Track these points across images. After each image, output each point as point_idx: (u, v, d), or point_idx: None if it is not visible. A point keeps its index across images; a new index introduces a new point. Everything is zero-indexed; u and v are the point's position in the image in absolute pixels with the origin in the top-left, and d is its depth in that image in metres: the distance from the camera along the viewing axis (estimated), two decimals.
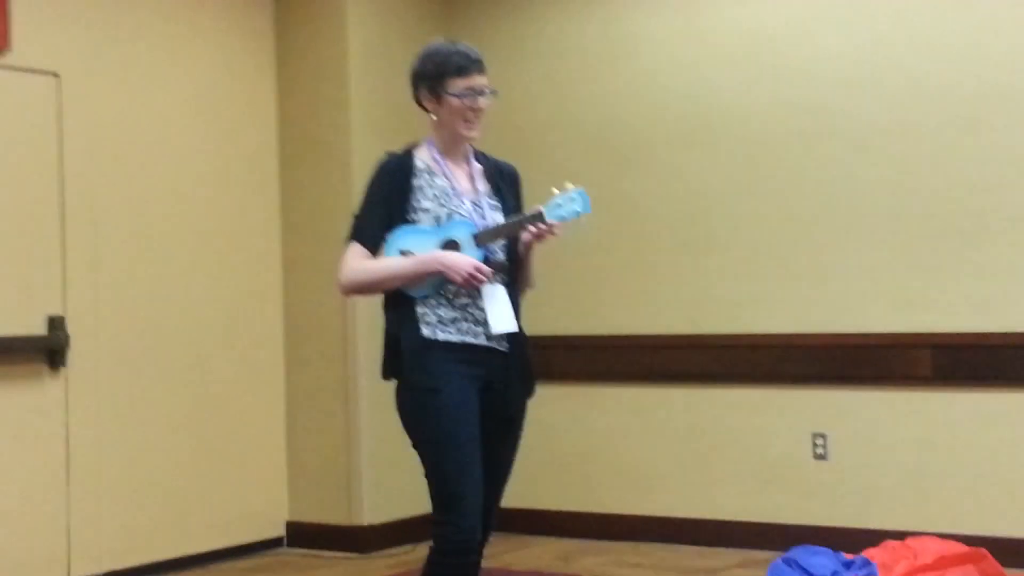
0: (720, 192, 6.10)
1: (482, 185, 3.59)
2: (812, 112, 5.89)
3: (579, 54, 6.48)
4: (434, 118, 3.54)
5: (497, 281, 3.50)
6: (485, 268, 3.39)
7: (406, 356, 3.43)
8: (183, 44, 6.01)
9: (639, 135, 6.30)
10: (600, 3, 6.44)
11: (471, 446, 3.40)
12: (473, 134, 3.54)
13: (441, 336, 3.43)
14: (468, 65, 3.50)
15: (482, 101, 3.51)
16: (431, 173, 3.52)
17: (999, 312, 5.48)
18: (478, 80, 3.50)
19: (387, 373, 3.52)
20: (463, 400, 3.40)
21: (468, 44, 3.59)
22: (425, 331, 3.43)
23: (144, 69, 5.83)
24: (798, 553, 4.73)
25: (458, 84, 3.48)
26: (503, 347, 3.49)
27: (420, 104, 3.58)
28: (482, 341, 3.46)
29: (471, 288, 3.40)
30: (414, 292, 3.46)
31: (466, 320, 3.45)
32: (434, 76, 3.51)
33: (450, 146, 3.57)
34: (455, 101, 3.49)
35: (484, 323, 3.45)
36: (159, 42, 5.90)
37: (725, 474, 6.07)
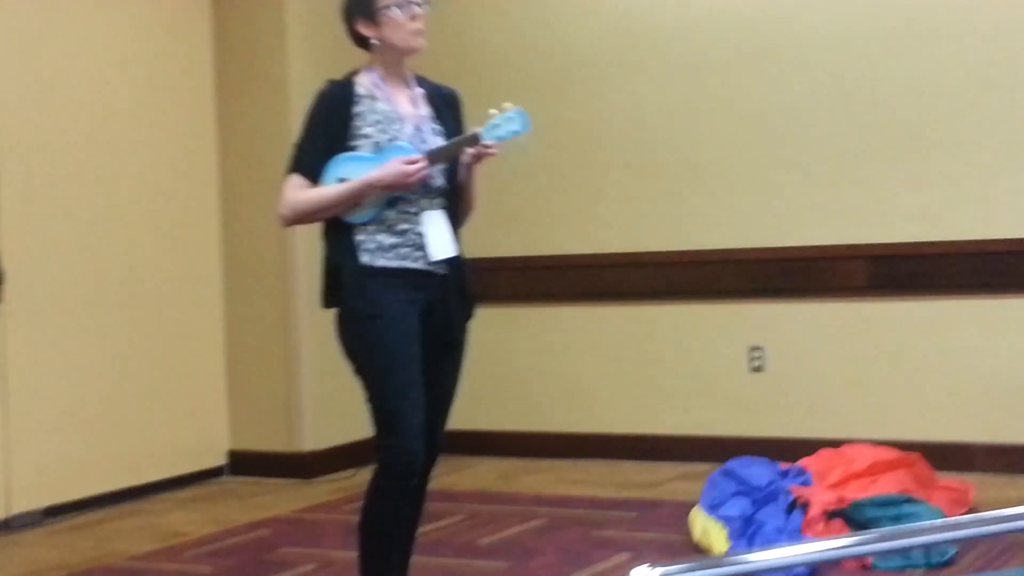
0: (658, 110, 6.10)
1: (424, 109, 3.56)
2: (748, 29, 5.89)
3: None
4: (375, 43, 3.48)
5: (435, 207, 3.48)
6: (415, 162, 3.35)
7: (346, 284, 3.42)
8: None
9: (578, 56, 6.27)
10: None
11: (412, 369, 3.40)
12: (420, 42, 3.49)
13: (380, 262, 3.41)
14: None
15: (418, 11, 3.47)
16: (372, 98, 3.48)
17: (932, 222, 5.56)
18: None
19: (327, 301, 3.51)
20: (403, 325, 3.40)
21: None
22: (364, 258, 3.41)
23: (74, 5, 5.67)
24: (735, 464, 4.82)
25: None
26: (442, 270, 3.49)
27: (358, 38, 3.52)
28: (421, 265, 3.45)
29: (415, 182, 3.36)
30: (354, 218, 3.44)
31: (405, 245, 3.44)
32: (364, 1, 3.46)
33: (392, 70, 3.52)
34: (393, 13, 3.44)
35: (423, 247, 3.44)
36: None
37: (664, 389, 6.14)
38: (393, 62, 3.52)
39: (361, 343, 3.42)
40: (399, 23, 3.45)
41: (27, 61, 5.47)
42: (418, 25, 3.47)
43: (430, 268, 3.46)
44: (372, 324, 3.39)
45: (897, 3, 5.59)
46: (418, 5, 3.47)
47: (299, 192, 3.46)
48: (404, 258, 3.43)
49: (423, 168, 3.37)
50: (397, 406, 3.38)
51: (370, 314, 3.39)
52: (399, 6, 3.44)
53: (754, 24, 5.87)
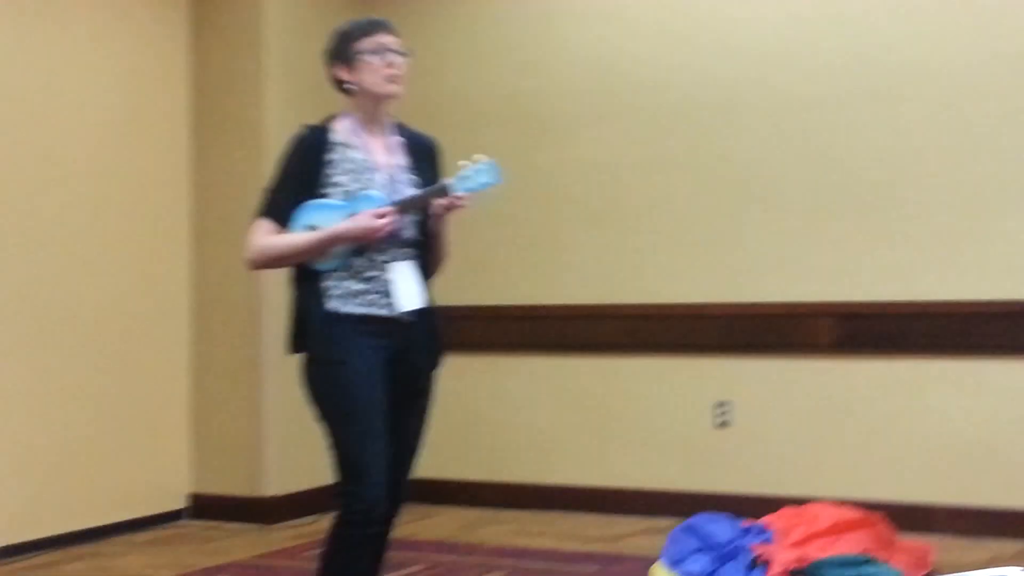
0: (628, 164, 6.14)
1: (400, 158, 3.56)
2: (720, 85, 5.94)
3: (493, 26, 6.47)
4: (354, 88, 3.50)
5: (404, 257, 3.48)
6: (383, 214, 3.36)
7: (311, 330, 3.41)
8: (94, 11, 5.86)
9: (551, 107, 6.31)
10: None
11: (376, 417, 3.38)
12: (395, 89, 3.50)
13: (347, 309, 3.41)
14: (372, 27, 3.50)
15: (396, 58, 3.49)
16: (347, 146, 3.49)
17: (898, 282, 5.60)
18: (387, 39, 3.49)
19: (293, 347, 3.50)
20: (368, 372, 3.39)
21: (375, 15, 3.60)
22: (331, 304, 3.41)
23: (49, 34, 5.67)
24: (697, 520, 4.80)
25: (367, 43, 3.47)
26: (410, 318, 3.48)
27: (339, 84, 3.54)
28: (388, 312, 3.44)
29: (383, 235, 3.36)
30: (321, 266, 3.43)
31: (373, 292, 3.43)
32: (343, 46, 3.50)
33: (370, 116, 3.54)
34: (369, 59, 3.46)
35: (388, 295, 3.44)
36: (69, 8, 5.74)
37: (627, 443, 6.13)
38: (371, 108, 3.53)
39: (325, 389, 3.40)
40: (375, 68, 3.47)
41: None
42: (394, 71, 3.49)
43: (397, 316, 3.46)
44: (337, 370, 3.38)
45: (870, 65, 5.65)
46: (395, 53, 3.49)
47: (267, 237, 3.46)
48: (371, 305, 3.43)
49: (391, 221, 3.38)
50: (360, 453, 3.36)
51: (335, 360, 3.38)
52: (376, 52, 3.47)
53: (727, 82, 5.93)
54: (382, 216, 3.36)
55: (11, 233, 5.49)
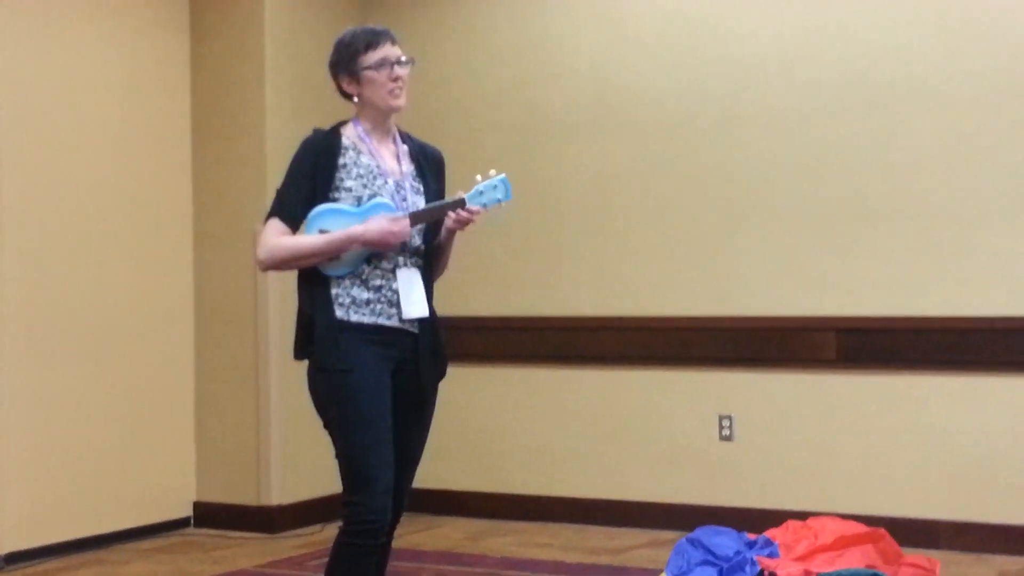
0: (630, 175, 6.15)
1: (407, 166, 3.59)
2: (722, 96, 5.96)
3: (494, 38, 6.49)
4: (356, 99, 3.54)
5: (411, 265, 3.50)
6: (400, 221, 3.38)
7: (319, 337, 3.42)
8: (95, 18, 5.90)
9: (552, 118, 6.33)
10: None
11: (382, 427, 3.40)
12: (400, 102, 3.53)
13: (354, 318, 3.42)
14: (375, 38, 3.52)
15: (400, 70, 3.52)
16: (357, 151, 3.51)
17: (902, 296, 5.60)
18: (390, 50, 3.52)
19: (299, 354, 3.51)
20: (375, 381, 3.40)
21: (376, 24, 3.61)
22: (338, 312, 3.42)
23: (50, 43, 5.70)
24: (702, 533, 4.80)
25: (371, 57, 3.49)
26: (415, 329, 3.50)
27: (345, 94, 3.57)
28: (395, 323, 3.46)
29: (397, 243, 3.39)
30: (331, 271, 3.45)
31: (380, 302, 3.45)
32: (347, 58, 3.52)
33: (377, 124, 3.56)
34: (372, 74, 3.49)
35: (397, 304, 3.46)
36: (70, 15, 5.78)
37: (632, 455, 6.13)
38: (377, 118, 3.56)
39: (332, 397, 3.42)
40: (379, 82, 3.50)
41: (0, 111, 5.47)
42: (398, 84, 3.52)
43: (403, 326, 3.48)
44: (344, 379, 3.39)
45: (869, 78, 5.66)
46: (399, 64, 3.52)
47: (279, 238, 3.47)
48: (378, 315, 3.45)
49: (407, 228, 3.40)
50: (366, 462, 3.37)
51: (342, 368, 3.39)
52: (380, 66, 3.49)
53: (726, 93, 5.94)
54: (398, 222, 3.38)
55: (15, 242, 5.51)
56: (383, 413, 3.40)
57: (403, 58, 3.53)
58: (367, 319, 3.43)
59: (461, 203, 3.46)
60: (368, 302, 3.44)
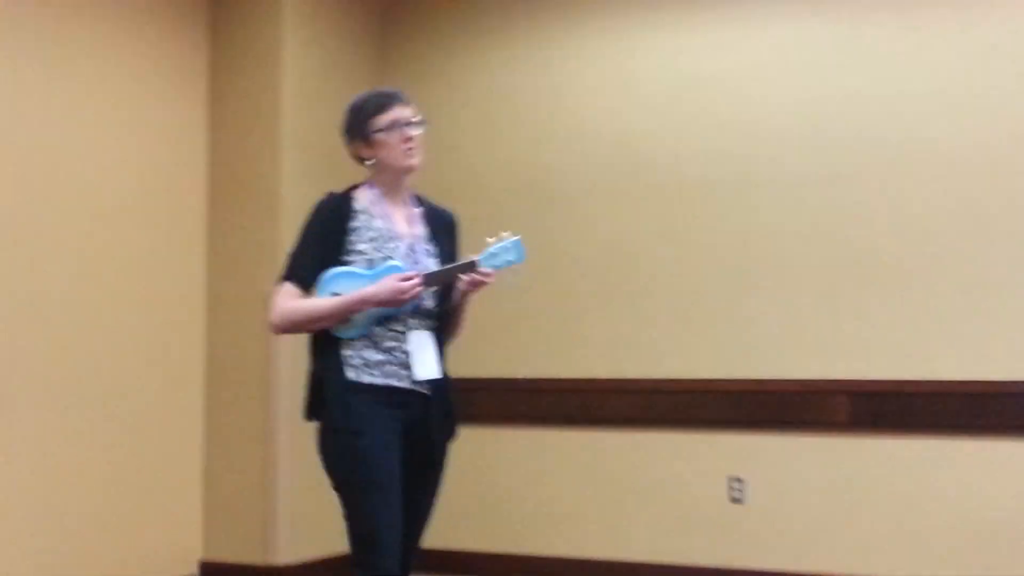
0: (645, 238, 6.16)
1: (420, 229, 3.60)
2: (737, 160, 5.98)
3: (510, 100, 6.53)
4: (371, 163, 3.55)
5: (423, 327, 3.50)
6: (409, 279, 3.38)
7: (329, 398, 3.41)
8: (111, 76, 5.94)
9: (567, 181, 6.35)
10: (533, 50, 6.49)
11: (392, 489, 3.38)
12: (414, 161, 3.55)
13: (365, 379, 3.42)
14: (386, 101, 3.54)
15: (411, 130, 3.53)
16: (369, 215, 3.52)
17: (915, 360, 5.58)
18: (401, 112, 3.53)
19: (310, 415, 3.50)
20: (385, 443, 3.39)
21: (388, 86, 3.62)
22: (349, 374, 3.42)
23: (69, 101, 5.74)
24: None
25: (382, 120, 3.51)
26: (426, 390, 3.49)
27: (359, 159, 3.59)
28: (406, 384, 3.45)
29: (407, 301, 3.39)
30: (343, 333, 3.45)
31: (391, 364, 3.45)
32: (359, 123, 3.54)
33: (391, 188, 3.58)
34: (384, 136, 3.51)
35: (409, 366, 3.45)
36: (87, 78, 5.83)
37: (643, 516, 6.09)
38: (391, 180, 3.57)
39: (342, 459, 3.40)
40: (393, 144, 3.52)
41: (12, 162, 5.50)
42: (412, 145, 3.53)
43: (414, 387, 3.47)
44: (354, 440, 3.37)
45: (883, 143, 5.69)
46: (410, 125, 3.53)
47: (291, 301, 3.47)
48: (389, 376, 3.44)
49: (417, 287, 3.40)
50: (375, 524, 3.35)
51: (352, 430, 3.38)
52: (392, 128, 3.51)
53: (739, 158, 5.97)
54: (408, 279, 3.38)
55: (29, 296, 5.52)
56: (392, 475, 3.39)
57: (414, 119, 3.55)
58: (378, 380, 3.42)
59: (473, 265, 3.46)
60: (380, 363, 3.44)
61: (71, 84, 5.75)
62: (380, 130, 3.51)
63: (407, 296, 3.39)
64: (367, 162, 3.56)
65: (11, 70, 5.49)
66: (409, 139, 3.52)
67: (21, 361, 5.46)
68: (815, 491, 5.74)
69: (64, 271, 5.68)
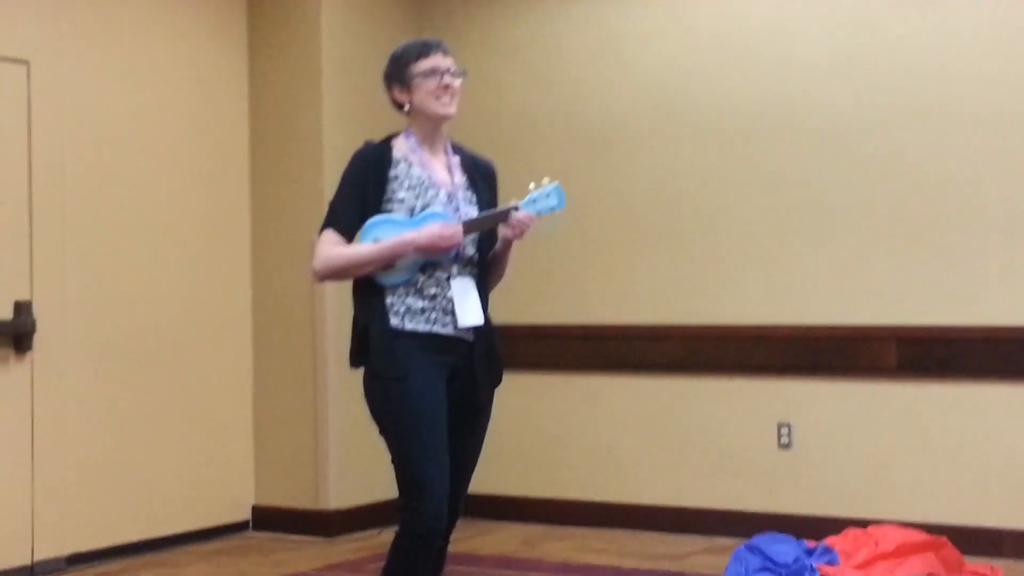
0: (692, 184, 6.13)
1: (459, 177, 3.61)
2: (786, 107, 5.92)
3: (556, 48, 6.48)
4: (407, 108, 3.55)
5: (466, 274, 3.52)
6: (451, 227, 3.40)
7: (374, 345, 3.44)
8: (155, 35, 5.97)
9: (614, 128, 6.32)
10: None
11: (438, 433, 3.41)
12: (450, 110, 3.56)
13: (409, 326, 3.44)
14: (426, 48, 3.55)
15: (449, 79, 3.54)
16: (408, 163, 3.53)
17: (963, 306, 5.54)
18: (441, 60, 3.55)
19: (355, 362, 3.52)
20: (430, 388, 3.42)
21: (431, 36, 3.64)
22: (393, 321, 3.44)
23: (115, 59, 5.79)
24: (761, 540, 4.78)
25: (421, 66, 3.53)
26: (470, 337, 3.51)
27: (397, 105, 3.60)
28: (450, 331, 3.47)
29: (450, 249, 3.41)
30: (386, 280, 3.47)
31: (434, 310, 3.46)
32: (399, 68, 3.55)
33: (429, 135, 3.59)
34: (422, 81, 3.52)
35: (452, 313, 3.47)
36: (130, 33, 5.86)
37: (691, 462, 6.11)
38: (428, 128, 3.58)
39: (388, 405, 3.43)
40: (430, 90, 3.53)
41: (66, 125, 5.55)
42: (448, 92, 3.54)
43: (458, 334, 3.49)
44: (399, 386, 3.40)
45: (931, 86, 5.60)
46: (449, 74, 3.54)
47: (333, 248, 3.49)
48: (433, 323, 3.46)
49: (459, 235, 3.41)
50: (422, 468, 3.38)
51: (398, 376, 3.41)
52: (431, 74, 3.52)
53: (789, 102, 5.90)
54: (449, 227, 3.39)
55: (78, 251, 5.59)
56: (439, 420, 3.42)
57: (453, 69, 3.56)
58: (422, 327, 3.45)
59: (511, 211, 3.46)
60: (423, 310, 3.46)
61: (115, 42, 5.79)
62: (418, 76, 3.52)
63: (448, 244, 3.40)
64: (404, 108, 3.56)
65: (58, 30, 5.53)
66: (446, 87, 3.53)
67: (72, 317, 5.54)
68: (863, 437, 5.73)
69: (112, 229, 5.74)
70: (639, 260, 6.24)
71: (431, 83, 3.52)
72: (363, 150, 3.57)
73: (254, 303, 6.38)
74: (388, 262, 3.44)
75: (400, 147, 3.56)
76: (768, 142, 5.95)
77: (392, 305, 3.45)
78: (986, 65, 5.52)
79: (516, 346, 6.14)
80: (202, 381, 6.12)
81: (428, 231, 3.39)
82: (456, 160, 3.63)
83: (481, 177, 3.65)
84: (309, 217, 5.95)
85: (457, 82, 3.55)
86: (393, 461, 3.45)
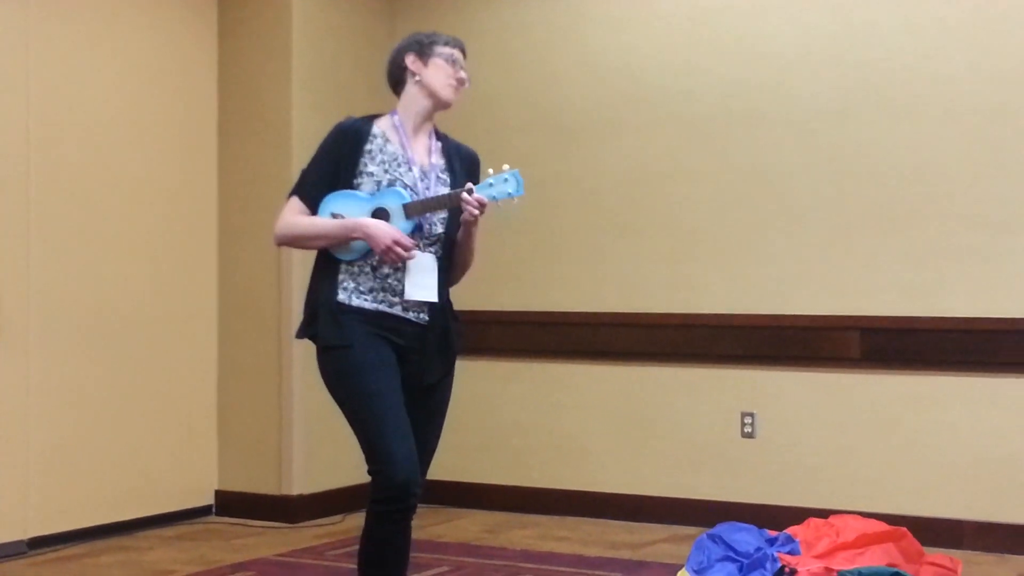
0: (658, 173, 6.14)
1: (437, 159, 3.65)
2: (754, 97, 5.94)
3: (523, 34, 6.48)
4: (416, 78, 3.62)
5: (428, 251, 3.53)
6: (406, 242, 3.44)
7: (320, 317, 3.50)
8: (122, 12, 5.92)
9: (580, 115, 6.32)
10: None
11: (391, 396, 3.44)
12: (453, 96, 3.65)
13: (355, 302, 3.49)
14: (456, 42, 3.70)
15: (464, 76, 3.66)
16: (385, 139, 3.58)
17: (926, 297, 5.58)
18: (461, 58, 3.69)
19: (301, 332, 3.59)
20: (376, 354, 3.46)
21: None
22: (341, 296, 3.50)
23: (82, 40, 5.74)
24: (723, 529, 4.80)
25: (447, 51, 3.65)
26: (422, 320, 3.54)
27: (399, 71, 3.65)
28: (397, 311, 3.51)
29: (391, 261, 3.45)
30: (342, 255, 3.52)
31: (384, 290, 3.51)
32: (424, 42, 3.65)
33: (417, 116, 3.64)
34: (443, 64, 3.62)
35: (401, 294, 3.50)
36: (98, 13, 5.81)
37: (653, 451, 6.13)
38: (420, 107, 3.64)
39: (339, 375, 3.47)
40: (446, 72, 3.62)
41: (28, 106, 5.49)
42: (458, 87, 3.65)
43: (408, 316, 3.52)
44: (346, 354, 3.45)
45: (899, 78, 5.64)
46: (464, 72, 3.66)
47: (294, 215, 3.56)
48: (379, 303, 3.50)
49: (409, 252, 3.44)
50: (381, 433, 3.40)
51: (343, 344, 3.46)
52: (452, 62, 3.63)
53: (755, 92, 5.93)
54: (401, 244, 3.42)
55: (43, 235, 5.55)
56: (391, 385, 3.45)
57: (465, 73, 3.67)
58: (368, 305, 3.50)
59: (462, 195, 3.48)
60: (372, 290, 3.50)
61: (81, 21, 5.74)
62: (440, 56, 3.62)
63: (391, 255, 3.43)
64: (413, 78, 3.61)
65: (21, 11, 5.47)
66: (460, 80, 3.65)
67: (36, 300, 5.50)
68: (826, 426, 5.77)
69: (76, 207, 5.70)
70: (604, 247, 6.25)
71: (449, 68, 3.63)
72: (343, 122, 3.63)
73: (219, 288, 6.35)
74: (341, 240, 3.48)
75: (382, 124, 3.63)
76: (735, 132, 5.97)
77: (342, 281, 3.51)
78: (954, 58, 5.55)
79: (480, 332, 6.14)
80: (166, 366, 6.09)
81: (382, 236, 3.41)
82: (439, 145, 3.69)
83: (461, 163, 3.70)
84: (276, 203, 5.90)
85: (465, 84, 3.66)
86: (354, 430, 3.47)
